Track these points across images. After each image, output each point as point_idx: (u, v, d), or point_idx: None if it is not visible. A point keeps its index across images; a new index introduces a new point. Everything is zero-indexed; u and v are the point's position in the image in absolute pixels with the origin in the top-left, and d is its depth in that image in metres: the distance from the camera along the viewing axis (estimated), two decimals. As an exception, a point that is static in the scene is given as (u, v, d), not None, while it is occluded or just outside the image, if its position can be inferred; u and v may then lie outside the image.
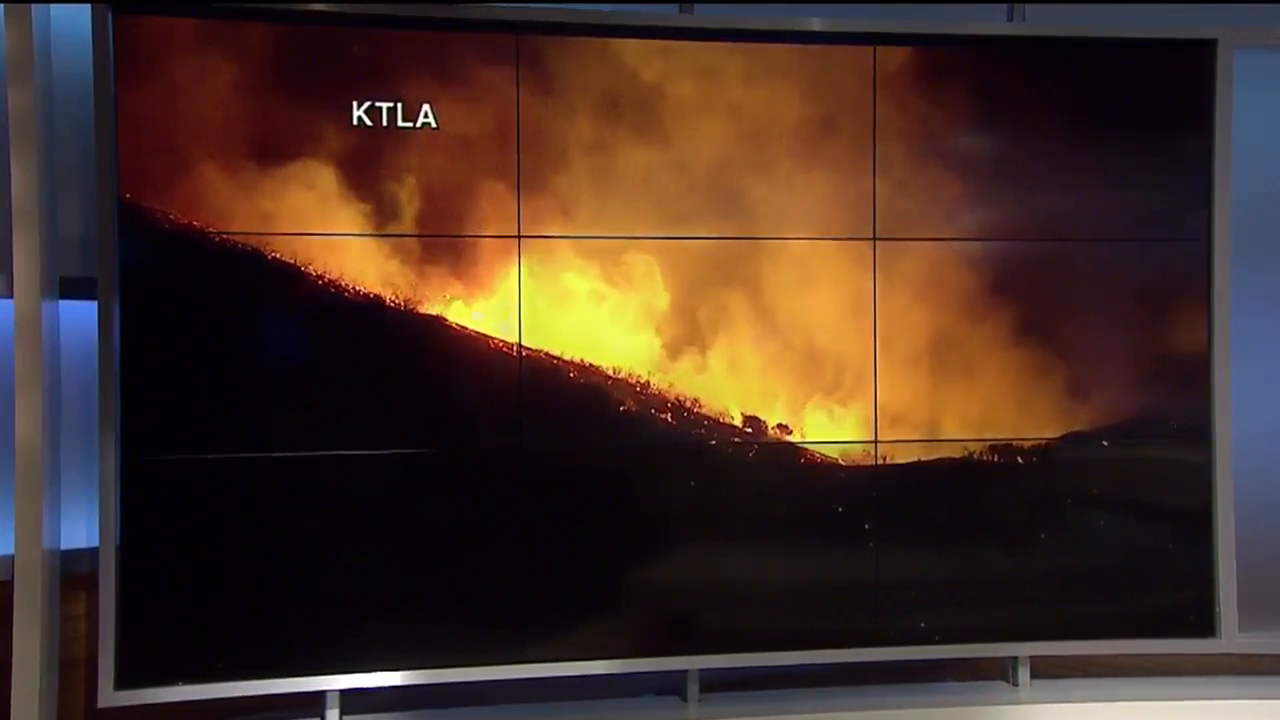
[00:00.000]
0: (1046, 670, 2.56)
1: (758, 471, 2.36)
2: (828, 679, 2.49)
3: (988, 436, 2.43)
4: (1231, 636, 2.47)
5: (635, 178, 2.31)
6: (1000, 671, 2.56)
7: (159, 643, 2.15)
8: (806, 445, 2.38)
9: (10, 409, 2.06)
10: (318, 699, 2.24)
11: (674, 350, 2.33)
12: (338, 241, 2.21)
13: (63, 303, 2.17)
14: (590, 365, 2.30)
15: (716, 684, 2.45)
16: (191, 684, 2.15)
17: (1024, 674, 2.52)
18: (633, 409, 2.31)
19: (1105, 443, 2.45)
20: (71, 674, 2.20)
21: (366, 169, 2.21)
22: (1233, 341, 2.47)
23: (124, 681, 2.11)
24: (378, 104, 2.21)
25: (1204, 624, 2.47)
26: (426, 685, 2.26)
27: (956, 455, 2.42)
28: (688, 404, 2.34)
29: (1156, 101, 2.48)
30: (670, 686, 2.45)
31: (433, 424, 2.28)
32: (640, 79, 2.31)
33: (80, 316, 2.16)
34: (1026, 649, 2.49)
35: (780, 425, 2.37)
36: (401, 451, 2.24)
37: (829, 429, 2.39)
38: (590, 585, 2.33)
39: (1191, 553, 2.48)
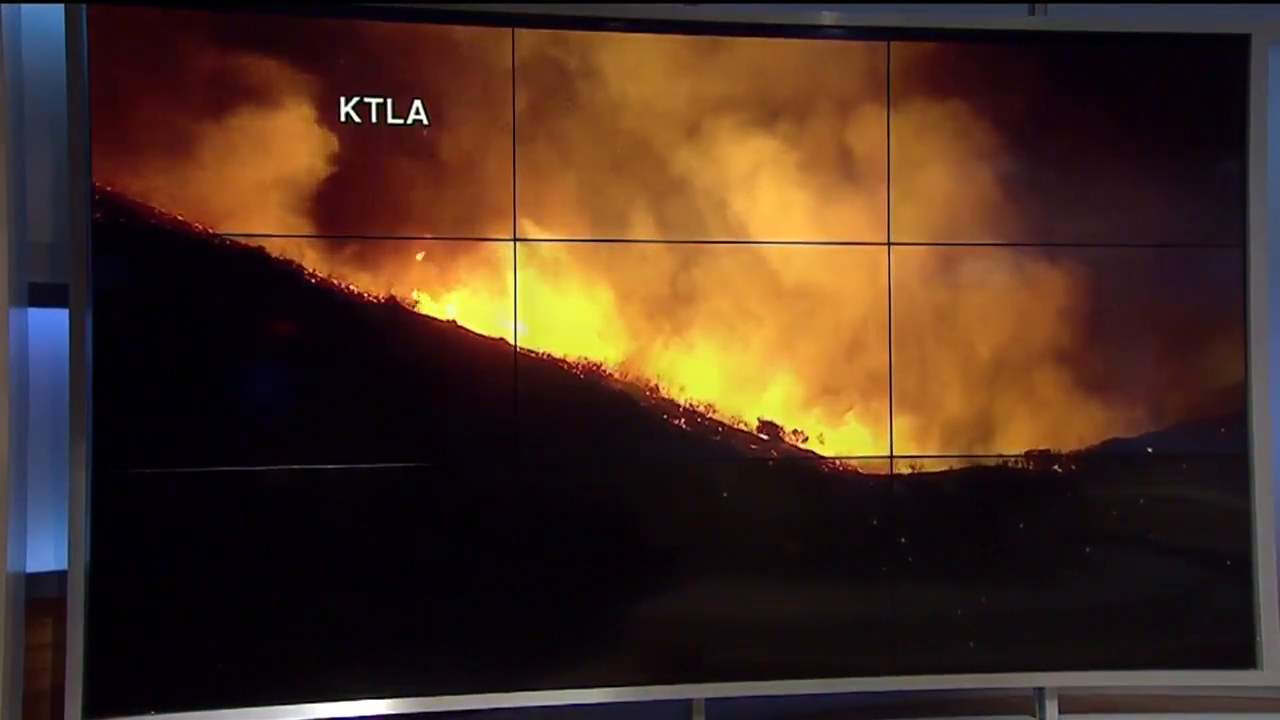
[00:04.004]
0: (1075, 707, 2.44)
1: (774, 482, 2.26)
2: (842, 714, 2.37)
3: (1008, 452, 2.32)
4: (1274, 668, 2.34)
5: (637, 177, 2.22)
6: (1026, 707, 2.44)
7: (130, 670, 2.05)
8: (822, 456, 2.28)
9: (-26, 422, 1.96)
10: (300, 730, 2.13)
11: (685, 352, 2.23)
12: (324, 243, 2.12)
13: (32, 310, 2.09)
14: (596, 367, 2.20)
15: None
16: (165, 713, 2.05)
17: (1051, 709, 2.39)
18: (643, 413, 2.21)
19: (1149, 449, 2.33)
20: (36, 707, 2.10)
21: (355, 167, 2.11)
22: (1272, 357, 2.35)
23: (92, 712, 2.02)
24: (366, 99, 2.12)
25: (1244, 655, 2.34)
26: (416, 715, 2.16)
27: (985, 469, 2.31)
28: (701, 409, 2.23)
29: (1187, 101, 2.36)
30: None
31: (425, 434, 2.17)
32: (641, 75, 2.21)
33: (51, 325, 2.07)
34: (1053, 679, 2.36)
35: (795, 431, 2.27)
36: (394, 466, 2.14)
37: (849, 439, 2.29)
38: (592, 605, 2.21)
39: (1230, 579, 2.35)
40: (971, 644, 2.29)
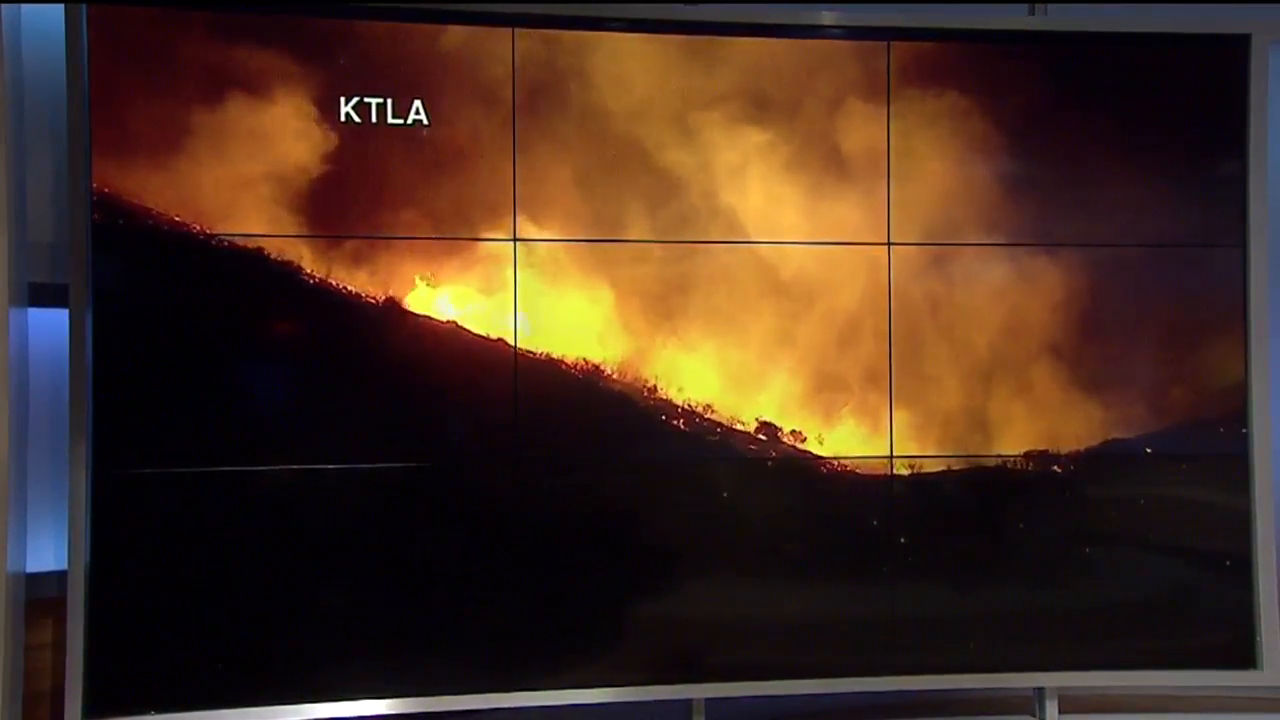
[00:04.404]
0: (1075, 707, 2.43)
1: (773, 482, 2.25)
2: (842, 714, 2.36)
3: (1007, 452, 2.32)
4: (1274, 668, 2.33)
5: (636, 177, 2.21)
6: (1026, 707, 2.44)
7: (130, 670, 2.05)
8: (821, 456, 2.27)
9: (-25, 422, 1.96)
10: (300, 730, 2.13)
11: (684, 352, 2.23)
12: (323, 244, 2.11)
13: (32, 310, 2.09)
14: (595, 367, 2.20)
15: None
16: (165, 713, 2.05)
17: (1051, 709, 2.39)
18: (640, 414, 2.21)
19: (1149, 449, 2.33)
20: (36, 707, 2.09)
21: (354, 167, 2.11)
22: (1272, 357, 2.35)
23: (92, 712, 2.02)
24: (366, 99, 2.11)
25: (1244, 655, 2.34)
26: (416, 715, 2.15)
27: (984, 470, 2.31)
28: (699, 409, 2.23)
29: (1187, 101, 2.36)
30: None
31: (425, 434, 2.17)
32: (639, 73, 2.21)
33: (51, 325, 2.07)
34: (1053, 679, 2.36)
35: (794, 431, 2.27)
36: (393, 466, 2.14)
37: (847, 439, 2.28)
38: (591, 605, 2.21)
39: (1230, 579, 2.34)
40: (971, 644, 2.29)
